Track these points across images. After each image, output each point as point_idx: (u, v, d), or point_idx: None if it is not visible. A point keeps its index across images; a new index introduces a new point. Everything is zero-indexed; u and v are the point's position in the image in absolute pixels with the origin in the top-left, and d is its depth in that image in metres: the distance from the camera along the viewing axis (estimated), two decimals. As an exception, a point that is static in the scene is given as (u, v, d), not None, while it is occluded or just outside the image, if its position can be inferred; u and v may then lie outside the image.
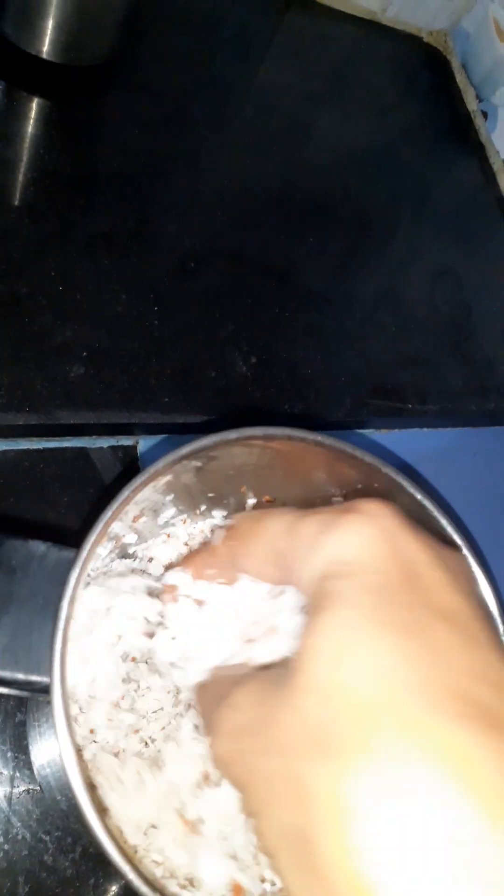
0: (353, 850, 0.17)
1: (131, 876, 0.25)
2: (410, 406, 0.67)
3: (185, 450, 0.30)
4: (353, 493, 0.37)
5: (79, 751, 0.30)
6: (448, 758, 0.18)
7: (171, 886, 0.34)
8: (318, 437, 0.33)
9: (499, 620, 0.34)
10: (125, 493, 0.29)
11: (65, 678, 0.26)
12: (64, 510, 0.54)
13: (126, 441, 0.57)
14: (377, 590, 0.21)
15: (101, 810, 0.32)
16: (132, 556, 0.42)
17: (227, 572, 0.31)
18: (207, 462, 0.34)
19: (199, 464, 0.33)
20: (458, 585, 0.23)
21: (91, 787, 0.32)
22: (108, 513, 0.28)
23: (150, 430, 0.56)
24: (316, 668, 0.20)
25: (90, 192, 0.60)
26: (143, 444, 0.57)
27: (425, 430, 0.70)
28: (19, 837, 0.48)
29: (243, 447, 0.33)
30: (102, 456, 0.56)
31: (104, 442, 0.56)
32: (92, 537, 0.28)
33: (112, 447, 0.57)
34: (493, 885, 0.16)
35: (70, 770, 0.25)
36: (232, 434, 0.32)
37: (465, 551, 0.34)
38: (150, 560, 0.42)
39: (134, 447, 0.57)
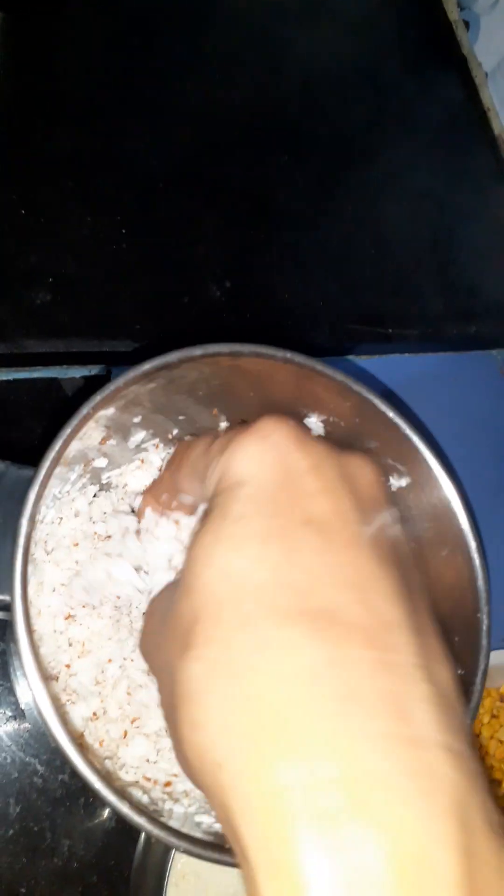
0: (194, 724, 0.20)
1: (100, 787, 0.25)
2: (391, 331, 0.65)
3: (147, 366, 0.29)
4: (326, 413, 0.36)
5: (44, 669, 0.29)
6: (277, 647, 0.20)
7: (155, 792, 0.35)
8: (287, 353, 0.32)
9: (471, 536, 0.34)
10: (84, 409, 0.28)
11: (26, 595, 0.26)
12: (38, 441, 0.54)
13: (98, 370, 0.55)
14: (251, 500, 0.23)
15: (73, 732, 0.32)
16: (107, 485, 0.41)
17: (175, 497, 0.34)
18: (173, 381, 0.33)
19: (164, 381, 0.32)
20: (335, 491, 0.24)
21: (59, 704, 0.32)
22: (67, 430, 0.27)
23: (122, 358, 0.55)
24: (187, 574, 0.23)
25: (53, 111, 0.57)
26: (116, 372, 0.56)
27: (406, 355, 0.69)
28: (8, 761, 0.49)
29: (211, 366, 0.32)
30: (75, 386, 0.55)
31: (76, 372, 0.55)
32: (51, 454, 0.27)
33: (84, 377, 0.55)
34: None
35: (35, 686, 0.25)
36: (197, 350, 0.30)
37: (435, 465, 0.33)
38: (125, 486, 0.42)
39: (107, 376, 0.56)
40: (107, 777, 0.26)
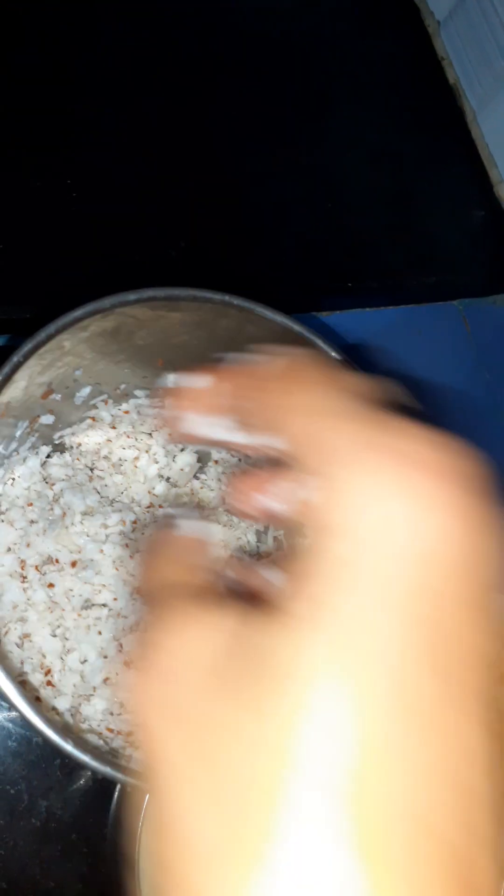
0: None
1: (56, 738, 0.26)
2: (350, 285, 0.65)
3: (79, 311, 0.29)
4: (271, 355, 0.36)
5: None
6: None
7: (116, 742, 0.35)
8: (226, 296, 0.32)
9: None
10: (14, 357, 0.27)
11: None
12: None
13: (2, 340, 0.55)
14: (405, 612, 0.14)
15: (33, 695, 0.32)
16: (60, 445, 0.41)
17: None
18: (110, 330, 0.32)
19: (99, 329, 0.31)
20: None
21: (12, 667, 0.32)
22: (-1, 379, 0.27)
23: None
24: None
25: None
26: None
27: (368, 310, 0.69)
28: (-19, 727, 0.49)
29: (149, 312, 0.32)
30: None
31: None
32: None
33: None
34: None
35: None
36: (131, 295, 0.30)
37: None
38: (79, 446, 0.41)
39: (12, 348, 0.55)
40: (65, 729, 0.26)
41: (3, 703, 0.50)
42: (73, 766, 0.51)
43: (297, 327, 0.33)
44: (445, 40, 0.81)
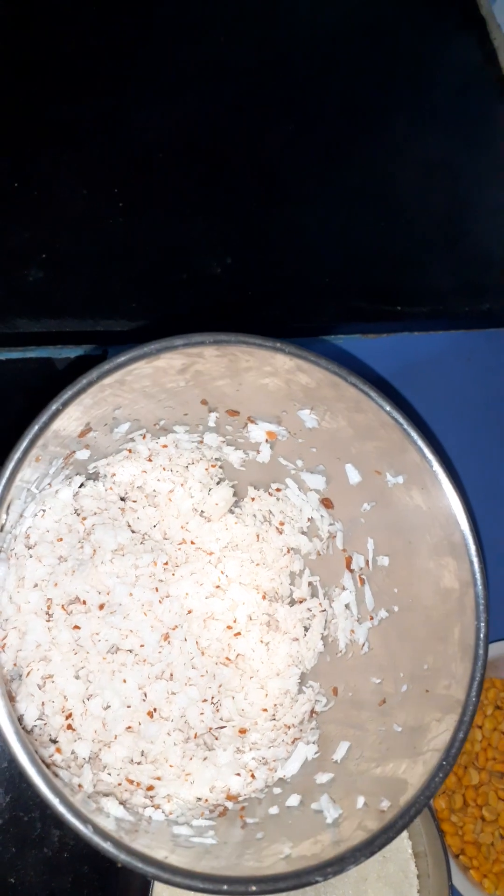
0: None
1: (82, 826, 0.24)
2: (399, 308, 0.63)
3: (123, 357, 0.27)
4: (322, 406, 0.34)
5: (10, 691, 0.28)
6: None
7: (136, 797, 0.34)
8: (277, 343, 0.30)
9: (471, 541, 0.32)
10: (53, 405, 0.26)
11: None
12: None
13: (93, 351, 0.54)
14: None
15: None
16: (94, 475, 0.40)
17: None
18: (155, 373, 0.31)
19: (145, 373, 0.30)
20: None
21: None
22: (35, 427, 0.26)
23: (117, 338, 0.53)
24: None
25: (48, 76, 0.54)
26: (112, 353, 0.54)
27: (416, 334, 0.66)
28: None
29: (195, 356, 0.30)
30: (69, 366, 0.53)
31: (70, 352, 0.53)
32: (17, 452, 0.25)
33: (79, 357, 0.53)
34: None
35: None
36: (178, 340, 0.28)
37: (436, 466, 0.31)
38: (113, 476, 0.40)
39: (103, 357, 0.54)
40: (73, 806, 0.25)
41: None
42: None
43: (351, 378, 0.31)
44: (514, 54, 0.78)
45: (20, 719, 0.32)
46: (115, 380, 0.28)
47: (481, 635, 0.30)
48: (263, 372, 0.32)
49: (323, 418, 0.35)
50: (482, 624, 0.30)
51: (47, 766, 0.27)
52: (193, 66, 0.61)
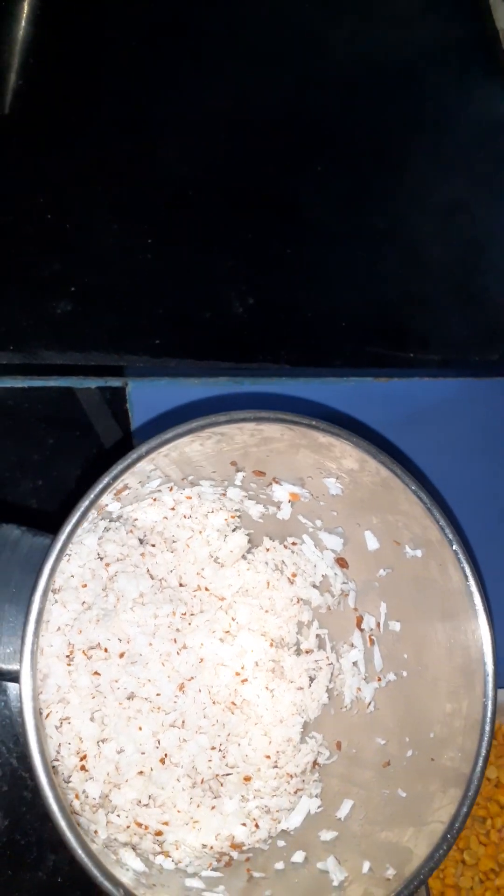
0: None
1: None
2: (412, 355, 0.64)
3: (169, 434, 0.28)
4: (347, 476, 0.36)
5: (46, 749, 0.29)
6: None
7: (146, 843, 0.35)
8: (312, 421, 0.31)
9: (481, 607, 0.33)
10: (105, 479, 0.27)
11: (35, 673, 0.26)
12: (49, 452, 0.53)
13: (115, 382, 0.55)
14: None
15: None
16: (117, 518, 0.41)
17: None
18: (195, 441, 0.32)
19: (185, 446, 0.31)
20: None
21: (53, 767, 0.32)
22: (85, 502, 0.27)
23: (139, 372, 0.54)
24: None
25: (83, 110, 0.55)
26: (133, 385, 0.55)
27: (427, 379, 0.68)
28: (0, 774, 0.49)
29: (233, 427, 0.31)
30: (90, 397, 0.54)
31: (92, 382, 0.54)
32: (68, 527, 0.27)
33: (100, 388, 0.54)
34: None
35: (38, 768, 0.25)
36: (221, 417, 0.30)
37: (456, 547, 0.33)
38: (135, 521, 0.41)
39: (123, 389, 0.55)
40: (94, 857, 0.26)
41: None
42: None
43: (380, 456, 0.32)
44: (537, 106, 0.80)
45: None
46: (158, 452, 0.30)
47: (489, 713, 0.32)
48: (296, 444, 0.34)
49: (347, 487, 0.36)
50: (489, 702, 0.32)
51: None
52: (225, 106, 0.62)
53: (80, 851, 0.25)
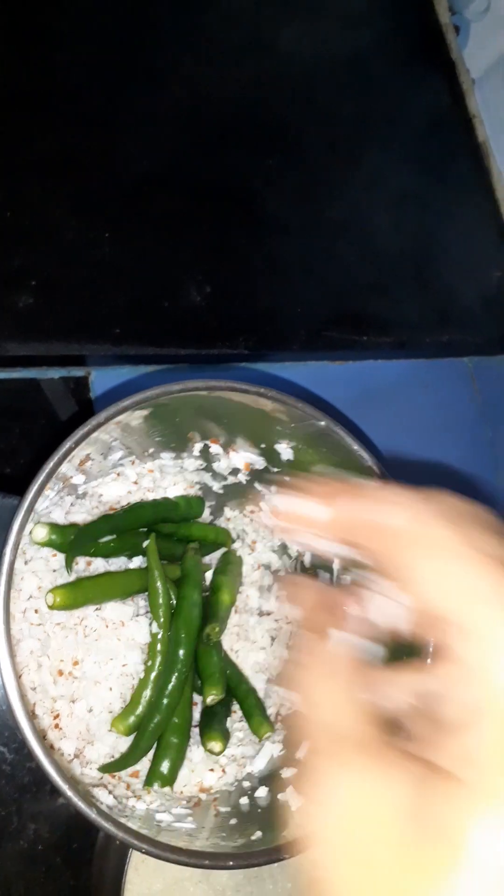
0: None
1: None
2: (366, 338, 0.67)
3: (126, 402, 0.31)
4: (295, 440, 0.38)
5: (21, 685, 0.31)
6: None
7: (119, 788, 0.37)
8: (260, 388, 0.34)
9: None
10: (67, 443, 0.29)
11: (7, 617, 0.28)
12: (15, 441, 0.55)
13: (78, 372, 0.57)
14: None
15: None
16: (83, 494, 0.43)
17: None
18: (153, 410, 0.34)
19: (144, 412, 0.33)
20: None
21: (33, 716, 0.34)
22: (50, 464, 0.29)
23: (102, 361, 0.56)
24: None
25: (39, 106, 0.57)
26: (96, 375, 0.57)
27: (380, 361, 0.71)
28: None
29: (188, 398, 0.34)
30: (54, 387, 0.56)
31: (55, 373, 0.56)
32: (34, 487, 0.29)
33: (63, 378, 0.56)
34: None
35: (11, 693, 0.27)
36: (175, 386, 0.32)
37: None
38: (100, 496, 0.43)
39: (86, 378, 0.57)
40: (73, 780, 0.28)
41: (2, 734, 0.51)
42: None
43: (324, 421, 0.35)
44: (479, 99, 0.83)
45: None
46: (118, 419, 0.32)
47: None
48: (248, 411, 0.36)
49: (298, 452, 0.39)
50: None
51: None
52: (181, 101, 0.64)
53: (56, 778, 0.28)
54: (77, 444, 0.30)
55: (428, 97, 0.83)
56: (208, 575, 0.43)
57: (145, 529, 0.41)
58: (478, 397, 0.76)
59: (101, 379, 0.57)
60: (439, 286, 0.74)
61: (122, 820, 0.29)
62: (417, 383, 0.72)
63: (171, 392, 0.32)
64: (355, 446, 0.35)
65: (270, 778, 0.37)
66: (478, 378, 0.76)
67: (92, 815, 0.27)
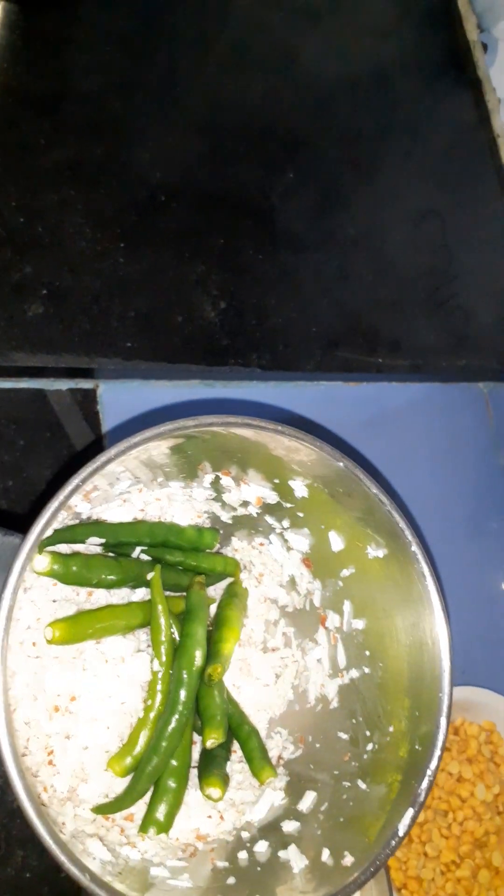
0: None
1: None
2: (381, 360, 0.66)
3: (138, 437, 0.29)
4: (311, 478, 0.37)
5: (12, 728, 0.30)
6: None
7: (112, 834, 0.36)
8: (278, 426, 0.32)
9: (438, 606, 0.34)
10: (74, 481, 0.28)
11: (5, 669, 0.26)
12: (19, 453, 0.53)
13: (86, 384, 0.55)
14: None
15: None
16: (86, 519, 0.41)
17: None
18: (164, 443, 0.33)
19: (155, 451, 0.32)
20: None
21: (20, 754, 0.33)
22: (55, 504, 0.27)
23: (111, 374, 0.55)
24: None
25: (57, 113, 0.55)
26: (104, 387, 0.55)
27: (394, 383, 0.69)
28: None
29: (201, 431, 0.32)
30: (61, 398, 0.55)
31: (62, 384, 0.54)
32: (38, 527, 0.27)
33: (71, 390, 0.55)
34: None
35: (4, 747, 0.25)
36: (189, 421, 0.31)
37: (415, 548, 0.34)
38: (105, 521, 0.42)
39: (94, 391, 0.55)
40: (64, 846, 0.27)
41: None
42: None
43: (341, 461, 0.33)
44: (504, 119, 0.81)
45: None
46: (128, 455, 0.30)
47: (444, 707, 0.33)
48: (263, 447, 0.35)
49: (313, 489, 0.37)
50: (445, 697, 0.33)
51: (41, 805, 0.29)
52: (199, 112, 0.63)
53: (48, 839, 0.26)
54: (84, 480, 0.28)
55: (452, 114, 0.82)
56: (212, 606, 0.42)
57: (150, 558, 0.40)
58: (492, 423, 0.74)
59: (109, 391, 0.56)
60: (457, 308, 0.72)
61: (114, 879, 0.27)
62: (431, 407, 0.71)
63: (185, 427, 0.30)
64: (374, 490, 0.34)
65: (271, 830, 0.36)
66: (493, 404, 0.75)
67: (85, 881, 0.26)
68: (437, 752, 0.32)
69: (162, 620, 0.36)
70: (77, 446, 0.54)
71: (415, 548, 0.34)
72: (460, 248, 0.74)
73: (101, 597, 0.38)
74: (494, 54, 0.79)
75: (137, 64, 0.61)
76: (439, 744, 0.33)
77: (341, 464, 0.33)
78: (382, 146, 0.74)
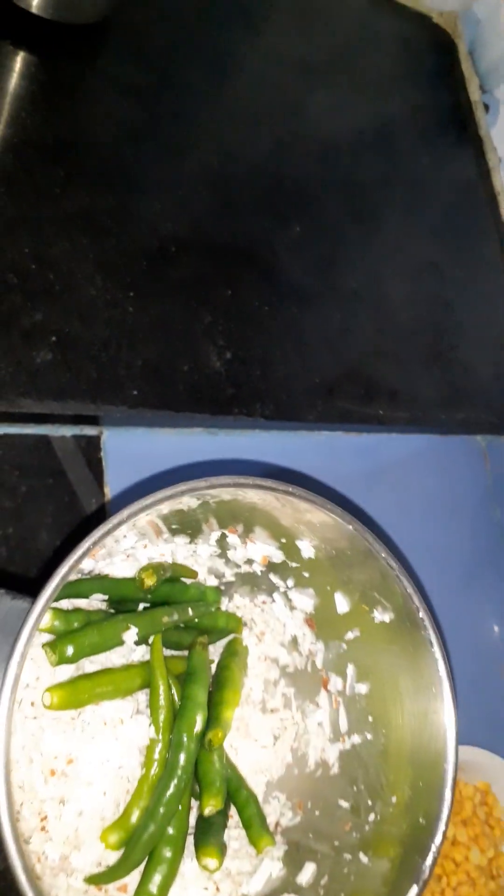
0: None
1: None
2: (381, 412, 0.66)
3: (149, 500, 0.29)
4: (319, 539, 0.37)
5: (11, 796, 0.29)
6: None
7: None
8: (289, 487, 0.32)
9: (446, 683, 0.34)
10: (86, 544, 0.28)
11: (9, 739, 0.26)
12: (21, 499, 0.53)
13: (90, 431, 0.55)
14: None
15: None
16: (89, 573, 0.41)
17: None
18: (173, 503, 0.33)
19: (164, 512, 0.32)
20: None
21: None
22: (64, 569, 0.27)
23: (116, 421, 0.55)
24: None
25: (71, 163, 0.56)
26: (108, 434, 0.55)
27: (393, 434, 0.70)
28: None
29: (213, 494, 0.32)
30: (65, 445, 0.55)
31: (67, 430, 0.54)
32: (46, 594, 0.27)
33: (75, 436, 0.55)
34: None
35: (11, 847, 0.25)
36: (201, 483, 0.31)
37: (423, 615, 0.34)
38: (107, 575, 0.41)
39: (98, 437, 0.55)
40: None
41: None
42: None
43: (352, 525, 0.33)
44: (506, 178, 0.83)
45: None
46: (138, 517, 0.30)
47: (449, 778, 0.33)
48: (272, 507, 0.35)
49: (320, 550, 0.37)
50: (450, 767, 0.33)
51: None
52: (208, 165, 0.64)
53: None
54: (95, 543, 0.28)
55: (454, 171, 0.84)
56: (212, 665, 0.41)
57: (148, 605, 0.39)
58: (489, 476, 0.75)
59: (113, 438, 0.55)
60: (456, 361, 0.73)
61: None
62: (430, 458, 0.72)
63: (196, 489, 0.30)
64: (384, 554, 0.34)
65: (269, 904, 0.35)
66: (491, 457, 0.75)
67: None
68: (442, 828, 0.32)
69: (161, 687, 0.35)
70: (79, 492, 0.54)
71: (423, 614, 0.34)
72: (460, 302, 0.75)
73: (99, 655, 0.38)
74: (496, 115, 0.81)
75: (151, 115, 0.62)
76: (444, 818, 0.32)
77: (351, 527, 0.33)
78: (386, 201, 0.75)
